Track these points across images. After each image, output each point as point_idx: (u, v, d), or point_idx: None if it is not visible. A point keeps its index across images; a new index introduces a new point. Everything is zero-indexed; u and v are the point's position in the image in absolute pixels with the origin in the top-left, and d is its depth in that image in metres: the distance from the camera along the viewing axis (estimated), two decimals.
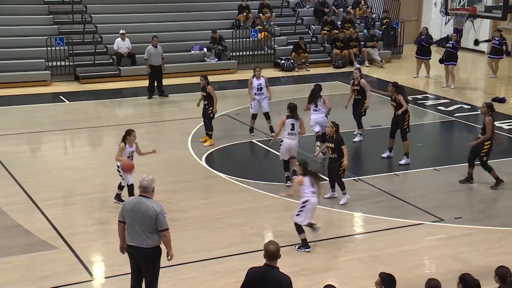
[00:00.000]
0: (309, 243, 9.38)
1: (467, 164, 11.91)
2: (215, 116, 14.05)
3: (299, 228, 9.32)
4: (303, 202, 9.28)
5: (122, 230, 7.45)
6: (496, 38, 19.77)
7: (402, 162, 12.78)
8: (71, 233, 9.80)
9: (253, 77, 14.47)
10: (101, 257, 9.31)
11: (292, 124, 11.38)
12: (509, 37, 23.58)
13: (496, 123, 15.02)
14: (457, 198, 11.35)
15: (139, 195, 7.36)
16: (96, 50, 20.17)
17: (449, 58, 19.30)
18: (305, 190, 9.28)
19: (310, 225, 9.44)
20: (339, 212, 10.71)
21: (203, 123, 14.14)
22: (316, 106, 12.99)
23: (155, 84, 17.98)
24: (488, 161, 11.75)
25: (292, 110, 11.48)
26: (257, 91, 14.37)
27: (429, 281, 6.36)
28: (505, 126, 15.34)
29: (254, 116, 14.52)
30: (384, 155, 13.10)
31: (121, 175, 10.72)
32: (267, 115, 14.44)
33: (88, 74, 19.78)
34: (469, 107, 17.26)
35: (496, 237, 9.86)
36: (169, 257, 7.46)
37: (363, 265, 9.02)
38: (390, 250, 9.43)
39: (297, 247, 9.36)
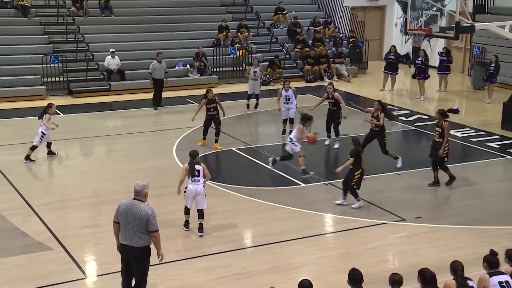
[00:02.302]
0: (288, 241, 9.40)
1: (432, 168, 11.99)
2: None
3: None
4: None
5: (117, 230, 7.42)
6: (419, 58, 19.75)
7: (399, 165, 12.76)
8: (65, 235, 9.70)
9: (282, 89, 15.17)
10: (93, 257, 9.22)
11: (198, 170, 9.74)
12: (461, 55, 23.95)
13: (451, 132, 15.25)
14: (417, 199, 11.45)
15: (133, 198, 7.36)
16: (88, 67, 20.04)
17: (420, 73, 19.55)
18: None
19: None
20: (311, 214, 10.74)
21: (203, 130, 14.40)
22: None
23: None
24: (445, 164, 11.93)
25: (194, 157, 9.88)
26: (286, 101, 15.07)
27: (392, 275, 6.42)
28: (459, 134, 15.54)
29: (284, 121, 15.24)
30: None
31: None
32: (291, 121, 15.11)
33: (80, 89, 19.64)
34: (427, 117, 17.45)
35: (451, 234, 9.96)
36: (160, 257, 7.44)
37: (334, 261, 9.06)
38: (357, 247, 9.48)
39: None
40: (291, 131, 14.60)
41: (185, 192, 9.83)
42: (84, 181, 12.28)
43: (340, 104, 14.39)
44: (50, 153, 13.60)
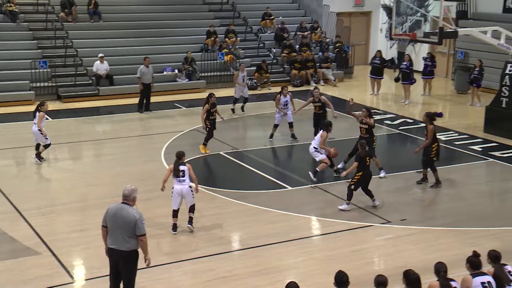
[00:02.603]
0: (274, 244, 9.39)
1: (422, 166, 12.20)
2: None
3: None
4: None
5: (105, 234, 7.39)
6: (404, 63, 19.84)
7: (382, 175, 12.63)
8: (53, 240, 9.63)
9: (280, 95, 15.10)
10: (81, 261, 9.17)
11: (182, 171, 9.81)
12: (444, 60, 24.13)
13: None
14: (402, 202, 11.50)
15: (121, 202, 7.33)
16: (77, 72, 19.95)
17: (405, 78, 19.67)
18: None
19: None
20: (298, 217, 10.74)
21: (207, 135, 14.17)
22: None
23: (144, 100, 18.10)
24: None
25: (179, 157, 9.92)
26: (283, 106, 15.04)
27: (378, 277, 6.44)
28: (443, 138, 15.63)
29: (276, 126, 15.15)
30: (340, 165, 12.93)
31: None
32: (291, 124, 15.08)
33: (69, 94, 19.52)
34: (412, 121, 17.54)
35: (435, 236, 10.00)
36: (147, 261, 7.40)
37: (320, 263, 9.06)
38: (343, 250, 9.50)
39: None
40: (292, 134, 15.06)
41: (172, 193, 9.89)
42: (72, 185, 12.21)
43: (327, 108, 14.46)
44: (38, 156, 13.50)
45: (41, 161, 13.40)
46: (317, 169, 12.40)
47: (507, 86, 15.60)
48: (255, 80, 21.60)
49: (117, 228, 7.22)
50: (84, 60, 20.61)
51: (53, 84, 19.58)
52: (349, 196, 10.93)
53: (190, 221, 9.98)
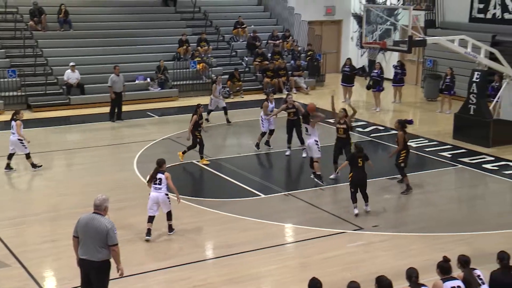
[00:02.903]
0: (248, 252, 9.39)
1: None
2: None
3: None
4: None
5: (76, 244, 7.30)
6: (375, 71, 20.14)
7: (332, 176, 12.94)
8: (23, 251, 9.47)
9: (267, 101, 15.27)
10: (52, 272, 9.04)
11: (160, 179, 9.95)
12: (414, 68, 24.52)
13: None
14: (374, 208, 11.60)
15: (93, 212, 7.26)
16: (47, 81, 19.72)
17: (376, 85, 19.92)
18: None
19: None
20: (271, 224, 10.77)
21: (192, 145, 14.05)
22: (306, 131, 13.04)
23: (116, 109, 17.97)
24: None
25: (159, 165, 10.08)
26: (270, 112, 15.15)
27: (350, 283, 6.48)
28: (413, 144, 15.84)
29: (263, 134, 15.16)
30: (332, 176, 13.01)
31: None
32: (272, 132, 15.23)
33: (39, 103, 19.29)
34: (383, 128, 17.76)
35: (407, 242, 10.12)
36: (119, 271, 7.33)
37: (293, 271, 9.09)
38: (316, 257, 9.54)
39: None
40: (267, 141, 15.12)
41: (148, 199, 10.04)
42: (43, 195, 12.05)
43: (300, 115, 14.50)
44: (8, 167, 13.28)
45: (36, 169, 13.39)
46: (317, 172, 12.52)
47: (475, 94, 15.92)
48: (227, 89, 21.64)
49: (89, 238, 7.15)
50: (55, 69, 20.39)
51: (23, 94, 19.32)
52: (352, 198, 11.08)
53: (170, 228, 10.15)
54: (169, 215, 10.14)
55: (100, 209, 7.26)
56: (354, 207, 11.07)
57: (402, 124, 12.33)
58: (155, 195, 9.92)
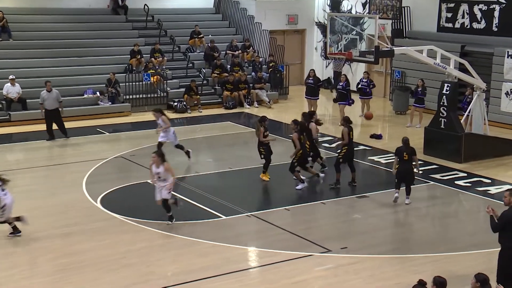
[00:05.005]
0: (208, 278, 9.29)
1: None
2: None
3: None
4: None
5: None
6: (340, 83, 20.41)
7: (299, 187, 13.60)
8: None
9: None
10: None
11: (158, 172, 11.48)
12: (382, 79, 24.95)
13: (374, 158, 15.86)
14: (342, 229, 11.68)
15: None
16: None
17: (341, 98, 20.17)
18: None
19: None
20: (233, 248, 10.70)
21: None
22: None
23: (53, 126, 17.55)
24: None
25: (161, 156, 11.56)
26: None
27: None
28: (382, 161, 16.03)
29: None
30: (299, 187, 13.67)
31: None
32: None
33: None
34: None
35: (377, 264, 10.19)
36: None
37: None
38: (283, 281, 9.51)
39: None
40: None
41: None
42: None
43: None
44: None
45: None
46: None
47: (445, 107, 16.25)
48: (184, 103, 21.57)
49: None
50: None
51: None
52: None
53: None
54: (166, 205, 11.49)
55: None
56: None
57: (347, 120, 14.04)
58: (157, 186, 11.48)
